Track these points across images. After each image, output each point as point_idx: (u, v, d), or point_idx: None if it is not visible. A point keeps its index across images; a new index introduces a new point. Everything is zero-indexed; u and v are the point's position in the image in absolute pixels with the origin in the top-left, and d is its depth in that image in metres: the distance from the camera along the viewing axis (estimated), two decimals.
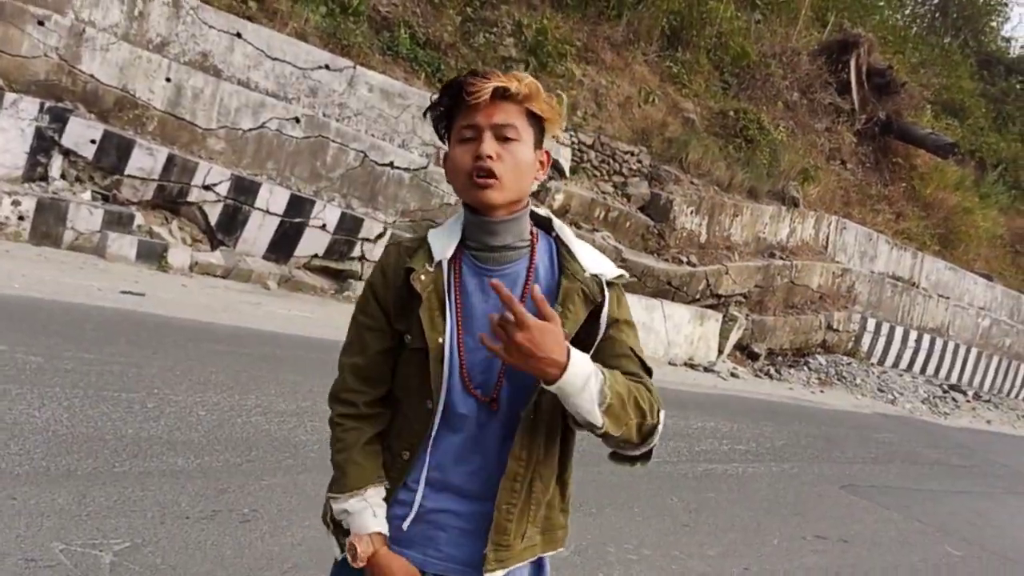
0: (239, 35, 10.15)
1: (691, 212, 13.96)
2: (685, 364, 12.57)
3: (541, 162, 1.75)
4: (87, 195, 8.76)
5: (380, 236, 10.63)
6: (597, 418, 1.58)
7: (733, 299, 14.15)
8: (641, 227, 13.53)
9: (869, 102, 18.63)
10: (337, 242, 10.39)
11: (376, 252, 10.57)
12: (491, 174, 1.65)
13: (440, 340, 1.68)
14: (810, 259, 15.67)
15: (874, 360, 16.88)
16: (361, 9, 11.66)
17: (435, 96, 1.74)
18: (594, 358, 1.65)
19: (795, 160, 16.15)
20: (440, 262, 1.71)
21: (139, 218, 9.06)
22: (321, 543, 3.66)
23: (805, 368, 14.90)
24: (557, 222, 1.81)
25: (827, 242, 16.38)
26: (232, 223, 9.76)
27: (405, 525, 1.75)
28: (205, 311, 7.60)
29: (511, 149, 1.67)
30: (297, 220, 10.09)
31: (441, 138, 1.76)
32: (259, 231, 9.92)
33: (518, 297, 1.65)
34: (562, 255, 1.76)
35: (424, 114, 1.80)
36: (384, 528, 1.72)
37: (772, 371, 14.11)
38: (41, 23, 8.73)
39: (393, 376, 1.78)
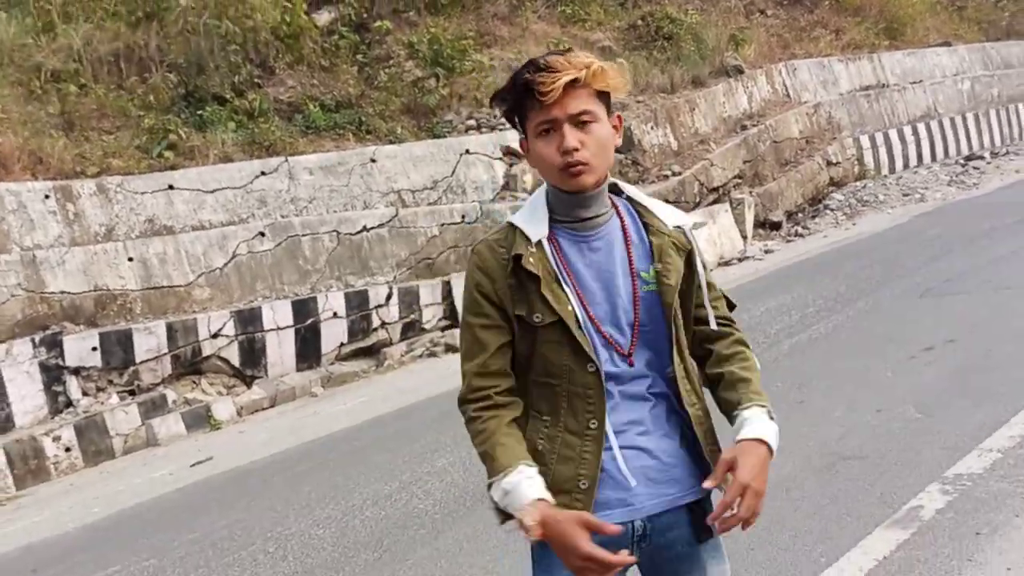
0: (171, 187, 10.16)
1: (651, 128, 13.89)
2: (719, 264, 12.49)
3: (615, 126, 1.84)
4: (114, 399, 8.79)
5: (389, 297, 10.62)
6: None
7: (730, 185, 14.05)
8: (616, 164, 13.43)
9: None
10: (354, 322, 10.38)
11: (392, 313, 10.58)
12: (581, 163, 1.76)
13: (570, 308, 1.79)
14: (780, 112, 15.55)
15: (885, 172, 16.74)
16: (265, 107, 11.67)
17: (503, 92, 1.82)
18: (692, 302, 1.89)
19: (719, 32, 16.05)
20: (540, 241, 1.82)
21: (171, 394, 9.08)
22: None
23: (827, 211, 14.77)
24: (624, 184, 1.94)
25: (787, 89, 16.27)
26: (253, 355, 9.77)
27: (632, 481, 1.80)
28: (273, 444, 7.60)
29: (592, 132, 1.77)
30: (309, 322, 10.09)
31: (515, 126, 1.86)
32: (281, 349, 9.92)
33: (621, 253, 1.84)
34: (641, 214, 1.90)
35: (490, 104, 1.97)
36: (544, 493, 1.72)
37: (799, 230, 14.01)
38: None
39: (530, 367, 1.84)
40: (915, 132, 17.66)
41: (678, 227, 1.89)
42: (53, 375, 8.63)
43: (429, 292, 10.97)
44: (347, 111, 12.35)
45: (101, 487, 7.28)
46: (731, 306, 1.99)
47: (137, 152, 10.50)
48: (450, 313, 11.01)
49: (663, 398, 1.86)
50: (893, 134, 17.28)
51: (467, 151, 12.34)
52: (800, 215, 14.82)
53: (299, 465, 6.68)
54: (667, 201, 12.02)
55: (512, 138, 12.85)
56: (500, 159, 12.65)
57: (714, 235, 12.74)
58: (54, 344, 8.68)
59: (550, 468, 1.80)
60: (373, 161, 11.60)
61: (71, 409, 8.59)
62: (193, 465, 7.35)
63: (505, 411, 1.82)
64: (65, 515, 6.51)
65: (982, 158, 17.67)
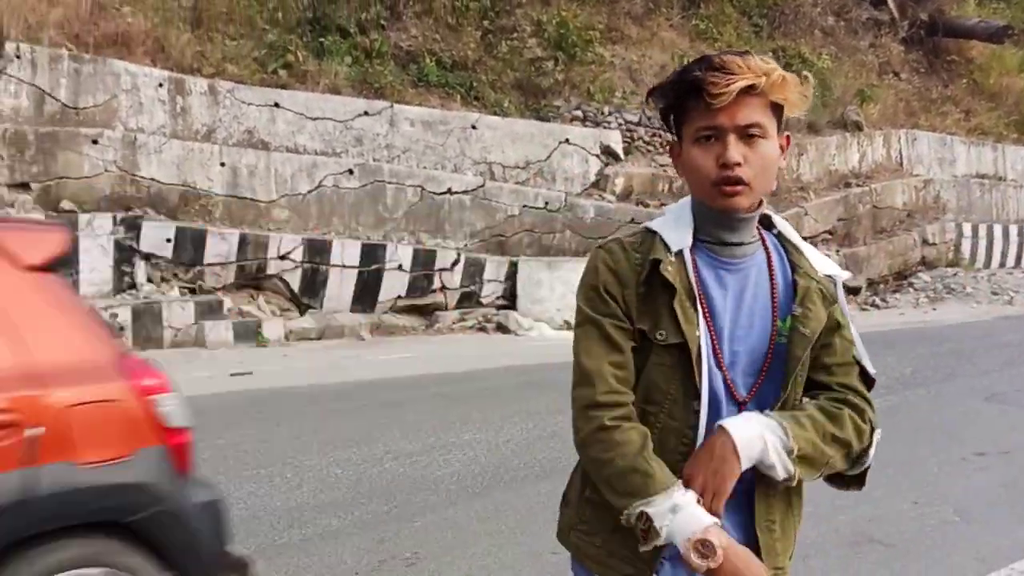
0: (277, 105, 10.34)
1: None
2: None
3: (781, 146, 1.61)
4: (175, 292, 9.01)
5: (455, 263, 10.68)
6: (790, 470, 1.55)
7: (819, 238, 13.79)
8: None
9: (908, 7, 18.01)
10: (416, 279, 10.47)
11: (455, 279, 10.63)
12: (740, 181, 1.53)
13: (696, 332, 1.56)
14: (888, 178, 15.20)
15: (979, 265, 16.25)
16: (384, 50, 11.78)
17: (665, 87, 1.60)
18: (816, 363, 1.63)
19: (847, 84, 15.71)
20: (681, 251, 1.60)
21: (228, 302, 9.28)
22: (488, 573, 3.64)
23: (910, 289, 14.42)
24: (778, 219, 1.71)
25: (901, 157, 15.86)
26: (314, 285, 9.93)
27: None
28: (312, 374, 7.72)
29: (758, 149, 1.54)
30: (373, 267, 10.21)
31: (668, 128, 1.63)
32: (340, 287, 10.06)
33: (764, 290, 1.61)
34: (790, 253, 1.67)
35: (646, 99, 1.70)
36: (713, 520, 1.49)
37: (877, 301, 13.70)
38: (95, 142, 9.04)
39: (637, 386, 1.61)
40: (1020, 233, 17.10)
41: (828, 276, 1.66)
42: (125, 255, 8.88)
43: (494, 268, 11.01)
44: (461, 73, 12.40)
45: None
46: (869, 383, 1.69)
47: (253, 63, 10.70)
48: (510, 294, 11.03)
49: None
50: (997, 229, 16.75)
51: (567, 140, 12.31)
52: (882, 286, 14.49)
53: (332, 402, 6.78)
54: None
55: (615, 139, 12.76)
56: (597, 156, 12.59)
57: None
58: (133, 226, 8.93)
59: None
60: (474, 128, 11.65)
61: (133, 291, 8.83)
62: (233, 375, 7.50)
63: (643, 427, 1.57)
64: None
65: None
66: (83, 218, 8.65)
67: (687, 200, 1.67)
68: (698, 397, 1.57)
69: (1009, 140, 18.17)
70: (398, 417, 6.33)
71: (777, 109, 1.58)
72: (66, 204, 8.79)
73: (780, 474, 1.54)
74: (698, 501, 1.50)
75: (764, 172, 1.56)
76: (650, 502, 1.47)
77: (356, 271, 10.15)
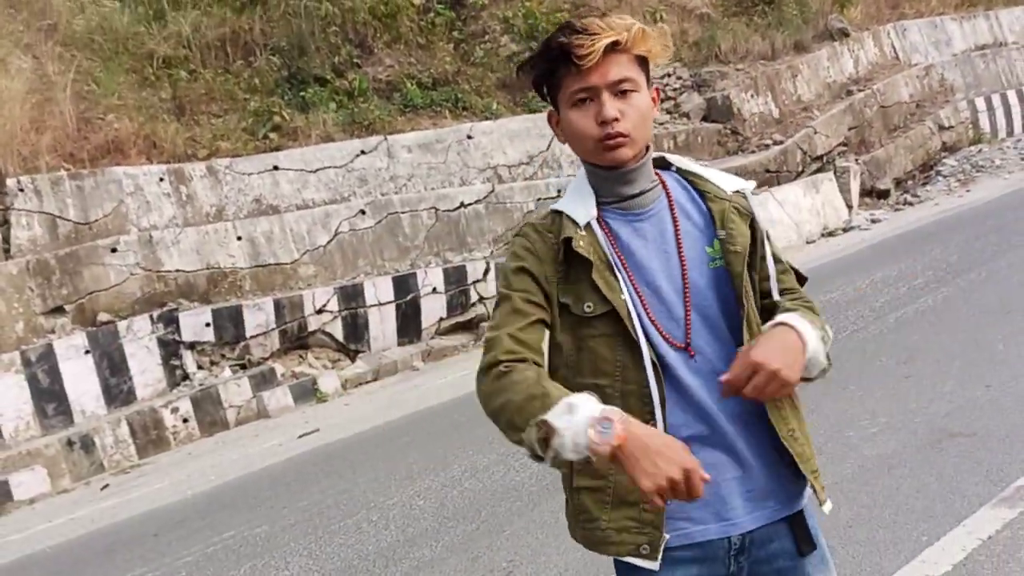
0: (276, 168, 10.50)
1: (752, 96, 13.56)
2: (823, 235, 12.16)
3: (653, 99, 1.69)
4: (227, 372, 9.19)
5: (487, 272, 10.74)
6: (824, 361, 1.64)
7: (835, 153, 13.62)
8: (714, 135, 13.21)
9: None
10: (453, 297, 10.55)
11: (490, 287, 10.69)
12: (620, 134, 1.61)
13: (623, 297, 1.61)
14: (888, 75, 14.95)
15: (1002, 135, 15.92)
16: (364, 87, 11.90)
17: (534, 59, 1.66)
18: (757, 274, 1.71)
19: None
20: (588, 224, 1.66)
21: (279, 368, 9.44)
22: (584, 566, 3.68)
23: (939, 178, 14.18)
24: (672, 156, 1.78)
25: (896, 51, 15.61)
26: (356, 330, 10.05)
27: (736, 472, 1.64)
28: (376, 415, 7.83)
29: (632, 102, 1.62)
30: (409, 297, 10.31)
31: (543, 97, 1.71)
32: (383, 324, 10.17)
33: (671, 232, 1.67)
34: (695, 184, 1.74)
35: (516, 73, 1.77)
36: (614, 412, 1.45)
37: (909, 198, 13.49)
38: (114, 250, 9.25)
39: (578, 368, 1.66)
40: None
41: (737, 191, 1.71)
42: (170, 350, 9.07)
43: None
44: (444, 88, 12.47)
45: (216, 456, 7.64)
46: (801, 280, 1.79)
47: (244, 134, 10.87)
48: None
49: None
50: (1012, 95, 16.40)
51: None
52: (910, 183, 14.26)
53: (401, 437, 6.87)
54: (767, 171, 11.74)
55: None
56: None
57: (817, 205, 12.40)
58: (171, 320, 9.12)
59: (609, 479, 1.63)
60: (470, 138, 11.71)
61: (187, 382, 9.02)
62: (301, 436, 7.63)
63: (540, 369, 1.59)
64: (183, 483, 6.87)
65: None
66: (122, 325, 8.85)
67: (582, 173, 1.73)
68: (643, 354, 1.61)
69: (1000, 4, 17.77)
70: (468, 434, 6.40)
71: (643, 63, 1.65)
72: (103, 316, 9.01)
73: (823, 363, 1.62)
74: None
75: (641, 123, 1.63)
76: (546, 409, 1.47)
77: (393, 305, 10.26)
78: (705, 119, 13.40)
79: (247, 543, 5.11)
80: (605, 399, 1.53)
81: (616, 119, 1.59)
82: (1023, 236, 8.92)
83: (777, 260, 1.75)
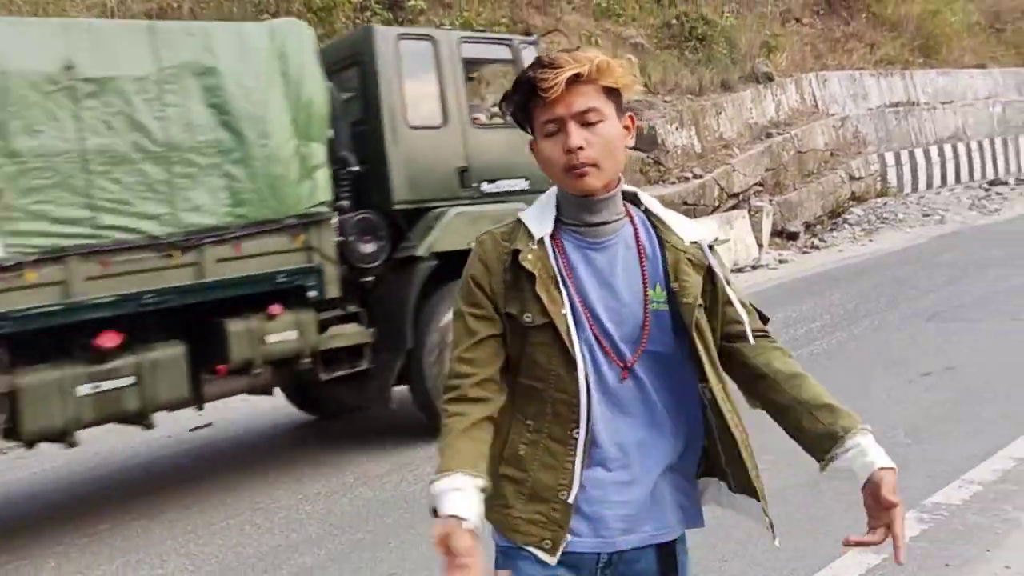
0: None
1: (676, 129, 13.88)
2: (731, 271, 12.49)
3: (627, 127, 1.75)
4: None
5: None
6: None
7: (751, 191, 14.04)
8: (636, 163, 13.47)
9: None
10: None
11: None
12: (585, 163, 1.67)
13: (563, 311, 1.70)
14: (807, 122, 15.52)
15: (907, 190, 16.69)
16: None
17: (510, 93, 1.74)
18: (719, 320, 1.80)
19: (752, 38, 16.00)
20: (542, 239, 1.73)
21: None
22: None
23: (845, 226, 14.75)
24: (644, 195, 1.83)
25: (815, 100, 16.20)
26: None
27: (627, 496, 1.74)
28: (274, 415, 7.70)
29: (598, 131, 1.68)
30: None
31: (522, 128, 1.77)
32: None
33: (633, 263, 1.75)
34: (658, 228, 1.80)
35: (499, 107, 1.83)
36: (467, 514, 1.58)
37: (816, 242, 14.00)
38: None
39: (519, 369, 1.76)
40: (941, 153, 17.58)
41: (694, 242, 1.79)
42: None
43: None
44: None
45: (103, 441, 7.40)
46: (764, 319, 1.90)
47: None
48: None
49: (662, 422, 1.76)
50: (919, 153, 17.19)
51: None
52: (818, 227, 14.80)
53: (296, 439, 6.79)
54: (685, 203, 11.96)
55: None
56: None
57: (729, 241, 12.74)
58: None
59: (530, 474, 1.74)
60: None
61: None
62: (193, 429, 7.45)
63: (474, 408, 1.72)
64: (63, 467, 6.62)
65: (1006, 184, 17.60)
66: None
67: (554, 189, 1.80)
68: (576, 367, 1.70)
69: (916, 65, 18.63)
70: (363, 441, 6.35)
71: (614, 93, 1.71)
72: None
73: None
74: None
75: (609, 152, 1.69)
76: (438, 477, 1.63)
77: None
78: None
79: (123, 536, 4.96)
80: (542, 402, 1.73)
81: (580, 148, 1.66)
82: (916, 290, 9.34)
83: (743, 306, 1.82)
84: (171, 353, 4.99)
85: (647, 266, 1.75)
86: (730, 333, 1.82)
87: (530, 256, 1.71)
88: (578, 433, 1.70)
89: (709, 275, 1.77)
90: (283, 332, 5.38)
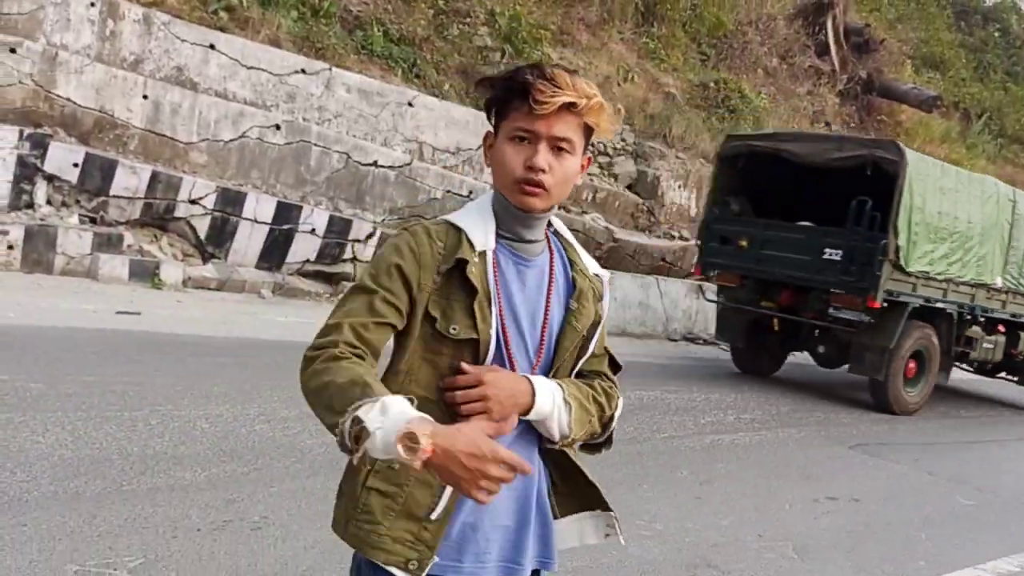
0: (213, 47, 10.12)
1: (679, 186, 13.95)
2: (684, 338, 12.59)
3: (583, 166, 1.76)
4: (75, 219, 8.75)
5: (370, 236, 10.63)
6: (566, 428, 1.74)
7: None
8: (630, 206, 13.52)
9: (849, 62, 18.62)
10: (328, 245, 10.38)
11: (367, 252, 10.57)
12: (541, 185, 1.67)
13: (490, 332, 1.68)
14: None
15: None
16: (332, 11, 11.63)
17: (496, 81, 1.71)
18: (584, 353, 1.81)
19: (779, 126, 16.12)
20: (484, 252, 1.71)
21: (128, 237, 9.05)
22: (333, 546, 3.67)
23: None
24: (554, 219, 1.84)
25: None
26: (221, 235, 9.75)
27: (501, 521, 1.73)
28: (202, 325, 7.60)
29: (563, 161, 1.69)
30: (286, 227, 10.09)
31: (488, 115, 1.74)
32: (249, 241, 9.91)
33: (546, 286, 1.78)
34: (567, 251, 1.85)
35: (476, 87, 1.83)
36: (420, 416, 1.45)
37: None
38: (13, 50, 8.69)
39: (412, 375, 1.69)
40: None
41: (597, 275, 1.85)
42: (27, 172, 8.58)
43: None
44: (406, 47, 12.32)
45: (26, 295, 7.25)
46: (616, 367, 1.91)
47: (195, 0, 10.43)
48: None
49: (533, 444, 1.78)
50: None
51: None
52: None
53: (217, 356, 6.70)
54: (663, 260, 12.03)
55: None
56: None
57: (692, 310, 12.84)
58: (39, 144, 8.63)
59: (404, 490, 1.65)
60: (410, 105, 11.60)
61: (30, 211, 8.55)
62: (119, 312, 7.33)
63: (362, 364, 1.59)
64: None
65: None
66: None
67: (488, 197, 1.79)
68: None
69: None
70: (280, 381, 6.27)
71: (588, 131, 1.72)
72: None
73: (557, 431, 1.73)
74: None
75: (563, 183, 1.71)
76: (361, 404, 1.43)
77: (267, 228, 10.01)
78: (630, 188, 13.70)
79: (17, 394, 4.86)
80: (429, 411, 1.51)
81: (543, 170, 1.66)
82: (848, 415, 9.47)
83: (600, 347, 1.86)
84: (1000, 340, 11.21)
85: (554, 289, 1.78)
86: (584, 369, 1.85)
87: (475, 270, 1.68)
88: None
89: (598, 311, 1.83)
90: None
